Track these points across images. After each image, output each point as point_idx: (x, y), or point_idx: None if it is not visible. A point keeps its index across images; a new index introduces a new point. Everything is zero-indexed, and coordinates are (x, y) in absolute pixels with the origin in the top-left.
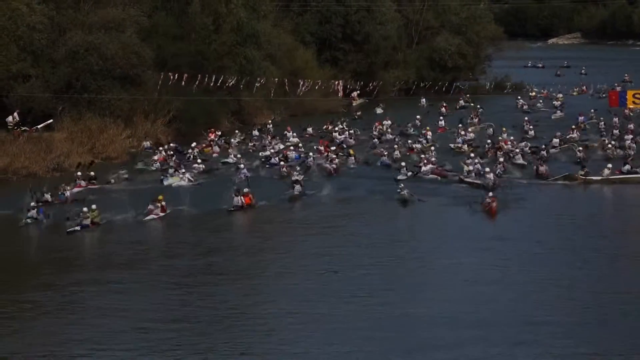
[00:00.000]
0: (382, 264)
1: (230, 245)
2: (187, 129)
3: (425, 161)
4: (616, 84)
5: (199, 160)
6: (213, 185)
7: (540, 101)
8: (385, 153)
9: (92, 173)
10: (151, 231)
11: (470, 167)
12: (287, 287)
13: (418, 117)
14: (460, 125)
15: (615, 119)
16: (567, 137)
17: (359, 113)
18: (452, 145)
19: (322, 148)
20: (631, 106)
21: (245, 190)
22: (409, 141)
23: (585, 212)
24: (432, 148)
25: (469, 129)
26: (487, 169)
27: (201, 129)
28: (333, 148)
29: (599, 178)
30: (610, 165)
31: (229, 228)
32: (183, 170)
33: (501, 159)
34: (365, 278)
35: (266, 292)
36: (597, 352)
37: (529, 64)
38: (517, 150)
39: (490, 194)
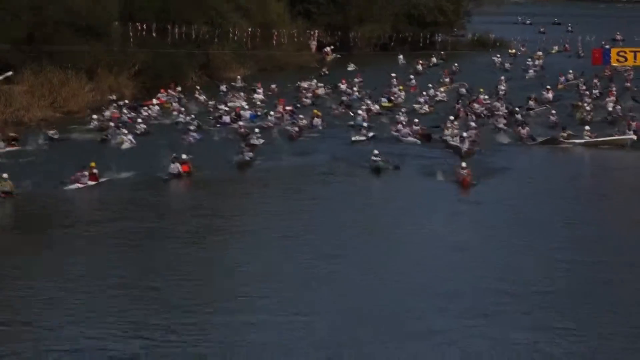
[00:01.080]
0: (344, 236)
1: (147, 225)
2: (153, 84)
3: (403, 123)
4: (604, 42)
5: (139, 120)
6: (156, 148)
7: (530, 60)
8: (356, 113)
9: (13, 134)
10: (69, 203)
11: (449, 131)
12: (224, 288)
13: (393, 74)
14: (429, 85)
15: (596, 80)
16: (543, 97)
17: (325, 70)
18: (414, 106)
19: (280, 108)
20: (615, 64)
21: (184, 156)
22: (383, 99)
23: (566, 176)
24: (403, 110)
25: (440, 89)
26: (464, 134)
27: (167, 83)
28: (289, 108)
29: (582, 141)
30: (588, 128)
31: (157, 201)
32: (125, 131)
33: (472, 123)
34: (324, 249)
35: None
36: (574, 326)
37: (519, 20)
38: (497, 112)
39: (464, 164)
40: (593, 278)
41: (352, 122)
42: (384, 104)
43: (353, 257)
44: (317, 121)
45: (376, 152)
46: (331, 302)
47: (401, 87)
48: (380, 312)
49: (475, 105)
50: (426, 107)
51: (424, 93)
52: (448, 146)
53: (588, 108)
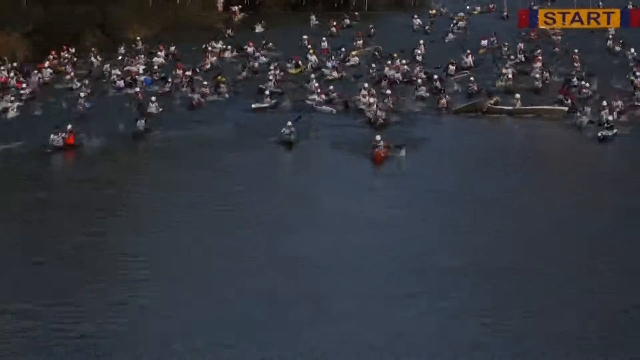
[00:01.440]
0: (245, 213)
1: (25, 198)
2: (48, 44)
3: (317, 90)
4: (532, 3)
5: (25, 86)
6: (44, 116)
7: (452, 22)
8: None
9: None
10: None
11: (364, 99)
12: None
13: (305, 37)
14: (342, 48)
15: (521, 44)
16: (462, 63)
17: (229, 31)
18: (323, 71)
19: (180, 72)
20: (542, 27)
21: (69, 126)
22: (288, 65)
23: (490, 147)
24: (312, 76)
25: (352, 52)
26: (380, 103)
27: (63, 44)
28: (189, 73)
29: (510, 108)
30: (518, 96)
31: (39, 175)
32: (11, 98)
33: (388, 90)
34: (223, 226)
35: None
36: (496, 306)
37: None
38: (414, 78)
39: (378, 136)
40: (514, 255)
41: (262, 87)
42: (290, 70)
43: (255, 236)
44: (222, 88)
45: (289, 123)
46: (229, 282)
47: (312, 51)
48: (284, 294)
49: (390, 71)
50: (335, 73)
51: (333, 58)
52: (363, 116)
53: (510, 75)
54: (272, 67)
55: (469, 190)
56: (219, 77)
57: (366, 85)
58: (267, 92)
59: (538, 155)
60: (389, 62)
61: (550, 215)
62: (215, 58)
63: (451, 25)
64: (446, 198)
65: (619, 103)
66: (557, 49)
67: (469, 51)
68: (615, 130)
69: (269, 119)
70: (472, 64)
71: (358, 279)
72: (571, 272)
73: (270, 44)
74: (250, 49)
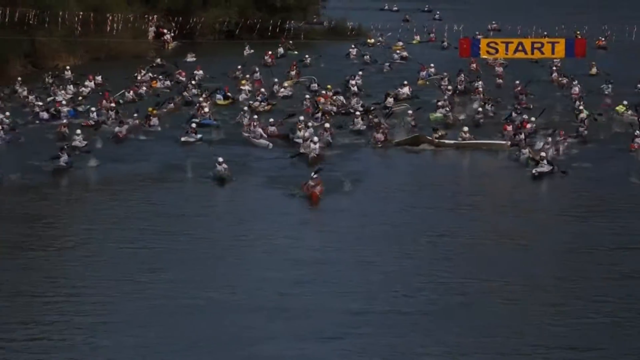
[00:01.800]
0: (168, 252)
1: None
2: None
3: (254, 123)
4: (477, 33)
5: None
6: None
7: (395, 52)
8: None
9: None
10: None
11: (301, 133)
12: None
13: (239, 67)
14: (275, 79)
15: (461, 76)
16: (399, 94)
17: (158, 60)
18: (250, 102)
19: (106, 103)
20: (485, 56)
21: None
22: (217, 96)
23: (431, 182)
24: (246, 108)
25: (285, 84)
26: (314, 137)
27: None
28: (112, 105)
29: (453, 142)
30: (466, 129)
31: None
32: None
33: (327, 124)
34: (146, 264)
35: None
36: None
37: (386, 7)
38: (351, 110)
39: (314, 174)
40: (445, 293)
41: (196, 120)
42: (218, 102)
43: (182, 275)
44: (153, 120)
45: (220, 159)
46: (152, 322)
47: (244, 82)
48: (208, 333)
49: (325, 103)
50: (265, 105)
51: (263, 89)
52: (298, 151)
53: (448, 107)
54: (201, 99)
55: (402, 228)
56: (150, 109)
57: (302, 118)
58: (192, 125)
59: (472, 192)
60: (324, 92)
61: (477, 254)
62: (145, 89)
63: (394, 56)
64: (379, 236)
65: (562, 138)
66: (500, 80)
67: (405, 82)
68: (551, 167)
69: (201, 153)
70: (409, 95)
71: (283, 319)
72: (500, 311)
73: (201, 73)
74: (182, 79)
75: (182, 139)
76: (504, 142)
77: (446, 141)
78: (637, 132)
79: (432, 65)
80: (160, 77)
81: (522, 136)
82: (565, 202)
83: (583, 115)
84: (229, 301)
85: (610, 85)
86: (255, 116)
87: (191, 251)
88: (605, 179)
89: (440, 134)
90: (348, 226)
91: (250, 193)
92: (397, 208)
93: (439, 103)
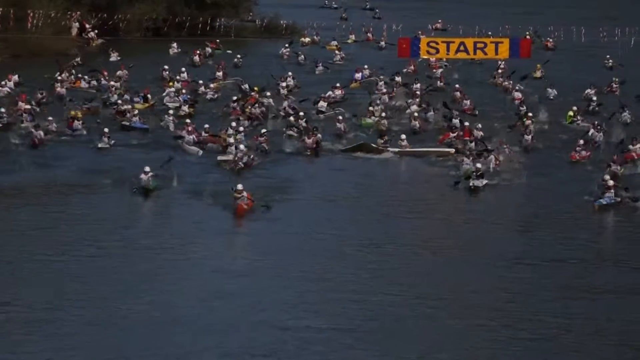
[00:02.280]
0: (87, 265)
1: None
2: None
3: (189, 128)
4: (420, 32)
5: None
6: None
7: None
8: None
9: None
10: None
11: (229, 139)
12: None
13: (166, 67)
14: (200, 80)
15: (398, 78)
16: (330, 97)
17: (77, 59)
18: (168, 105)
19: (22, 105)
20: (425, 56)
21: None
22: (135, 99)
23: (359, 192)
24: (171, 111)
25: (211, 85)
26: (242, 145)
27: None
28: (27, 106)
29: (396, 150)
30: (404, 136)
31: None
32: None
33: (264, 130)
34: (60, 277)
35: None
36: None
37: (326, 3)
38: (281, 114)
39: (240, 185)
40: (376, 306)
41: (126, 123)
42: (137, 105)
43: (99, 289)
44: (76, 124)
45: (147, 168)
46: (65, 336)
47: (170, 83)
48: (127, 348)
49: (252, 106)
50: (186, 108)
51: (183, 91)
52: (226, 159)
53: (381, 112)
54: (120, 101)
55: (330, 239)
56: (72, 112)
57: (234, 124)
58: (105, 130)
59: (405, 203)
60: (253, 94)
61: (407, 266)
62: (65, 89)
63: (335, 56)
64: (307, 248)
65: (505, 148)
66: (441, 82)
67: (338, 84)
68: (485, 181)
69: (126, 159)
70: (341, 98)
71: (207, 333)
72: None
73: (126, 72)
74: (104, 81)
75: (99, 144)
76: (448, 149)
77: (391, 149)
78: (581, 141)
79: (366, 66)
80: (86, 77)
81: (472, 144)
82: (500, 216)
83: (529, 122)
84: (150, 315)
85: (554, 90)
86: (188, 120)
87: (109, 265)
88: (542, 192)
89: (385, 140)
90: (275, 238)
91: (176, 204)
92: (326, 218)
93: (370, 108)
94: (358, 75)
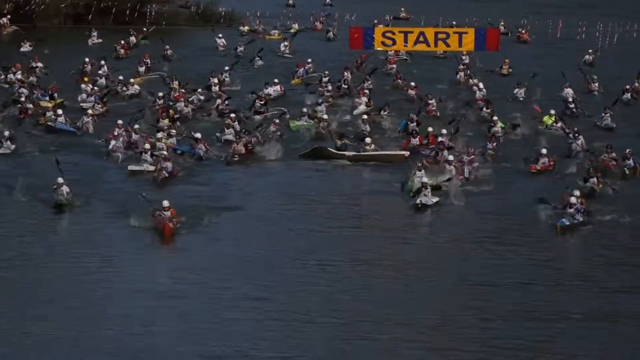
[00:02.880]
0: None
1: None
2: None
3: (115, 133)
4: (376, 22)
5: None
6: None
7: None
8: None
9: None
10: None
11: (144, 144)
12: None
13: (87, 59)
14: (120, 77)
15: (346, 73)
16: (264, 95)
17: None
18: (82, 104)
19: None
20: (380, 48)
21: None
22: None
23: (305, 202)
24: (90, 112)
25: (132, 80)
26: (164, 152)
27: None
28: None
29: (352, 154)
30: (369, 140)
31: None
32: None
33: (198, 134)
34: None
35: None
36: None
37: None
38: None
39: (166, 202)
40: (314, 329)
41: (51, 124)
42: (42, 103)
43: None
44: None
45: (60, 180)
46: None
47: (86, 79)
48: None
49: (179, 104)
50: (99, 107)
51: (93, 88)
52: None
53: (322, 114)
54: (22, 98)
55: (264, 256)
56: None
57: (165, 127)
58: (6, 133)
59: (348, 214)
60: (182, 91)
61: (347, 282)
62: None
63: (281, 47)
64: (238, 268)
65: (470, 158)
66: (398, 80)
67: (276, 80)
68: (435, 200)
69: (38, 169)
70: (273, 95)
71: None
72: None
73: (40, 65)
74: (13, 75)
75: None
76: (402, 152)
77: (345, 153)
78: (543, 150)
79: (309, 60)
80: None
81: (439, 152)
82: (453, 233)
83: (497, 128)
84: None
85: (522, 89)
86: (120, 121)
87: (17, 288)
88: (498, 208)
89: (341, 143)
90: (203, 257)
91: (93, 222)
92: (261, 234)
93: (304, 109)
94: (300, 70)
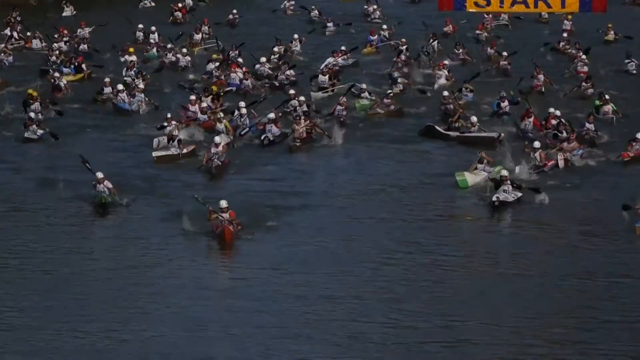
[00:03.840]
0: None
1: None
2: None
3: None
4: None
5: None
6: None
7: None
8: None
9: None
10: None
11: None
12: None
13: (140, 26)
14: (169, 45)
15: (434, 43)
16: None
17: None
18: (126, 79)
19: None
20: (472, 9)
21: None
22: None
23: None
24: (120, 87)
25: (183, 50)
26: (217, 138)
27: None
28: None
29: (455, 134)
30: (474, 119)
31: None
32: None
33: (272, 115)
34: None
35: None
36: None
37: None
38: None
39: (224, 202)
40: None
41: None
42: (66, 76)
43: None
44: (35, 106)
45: (100, 175)
46: None
47: (131, 49)
48: None
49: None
50: (140, 81)
51: (134, 59)
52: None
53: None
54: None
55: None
56: (30, 91)
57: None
58: (31, 115)
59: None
60: (239, 60)
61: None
62: (11, 57)
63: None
64: (315, 276)
65: (572, 145)
66: (490, 50)
67: (343, 48)
68: (519, 194)
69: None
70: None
71: None
72: None
73: (87, 32)
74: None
75: (25, 134)
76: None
77: (450, 133)
78: (638, 135)
79: (385, 27)
80: (37, 33)
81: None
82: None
83: (608, 108)
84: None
85: (633, 61)
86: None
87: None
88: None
89: (453, 121)
90: (270, 265)
91: (142, 226)
92: (333, 234)
93: (363, 86)
94: (373, 38)
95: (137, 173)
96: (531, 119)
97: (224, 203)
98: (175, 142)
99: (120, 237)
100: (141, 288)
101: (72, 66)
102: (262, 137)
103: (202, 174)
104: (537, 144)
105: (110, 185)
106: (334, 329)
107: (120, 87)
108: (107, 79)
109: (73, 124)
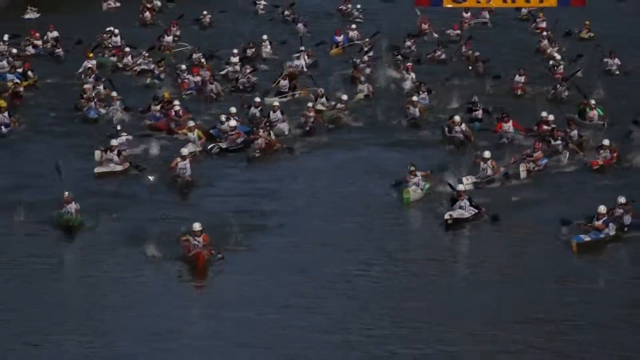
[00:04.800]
0: None
1: None
2: None
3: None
4: None
5: None
6: None
7: None
8: None
9: None
10: None
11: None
12: None
13: (109, 28)
14: (127, 48)
15: (408, 43)
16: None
17: None
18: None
19: None
20: (449, 5)
21: None
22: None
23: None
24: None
25: (145, 54)
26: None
27: None
28: None
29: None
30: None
31: None
32: None
33: (232, 122)
34: None
35: None
36: None
37: None
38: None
39: (198, 224)
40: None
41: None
42: (10, 83)
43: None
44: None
45: (66, 193)
46: None
47: (90, 55)
48: None
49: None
50: (101, 89)
51: (89, 67)
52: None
53: (365, 92)
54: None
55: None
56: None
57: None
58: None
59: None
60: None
61: None
62: None
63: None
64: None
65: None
66: (464, 48)
67: (302, 49)
68: (476, 211)
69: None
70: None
71: None
72: None
73: (56, 34)
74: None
75: None
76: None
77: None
78: (605, 141)
79: (353, 26)
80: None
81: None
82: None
83: (593, 113)
84: None
85: (615, 60)
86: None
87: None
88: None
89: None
90: (248, 290)
91: (109, 251)
92: (310, 253)
93: (320, 90)
94: (338, 38)
95: (108, 192)
96: (509, 123)
97: (197, 225)
98: (115, 152)
99: (85, 258)
100: (106, 336)
101: (18, 73)
102: (209, 147)
103: (166, 190)
104: (487, 153)
105: (76, 207)
106: (290, 340)
107: (92, 94)
108: (86, 86)
109: (38, 131)
